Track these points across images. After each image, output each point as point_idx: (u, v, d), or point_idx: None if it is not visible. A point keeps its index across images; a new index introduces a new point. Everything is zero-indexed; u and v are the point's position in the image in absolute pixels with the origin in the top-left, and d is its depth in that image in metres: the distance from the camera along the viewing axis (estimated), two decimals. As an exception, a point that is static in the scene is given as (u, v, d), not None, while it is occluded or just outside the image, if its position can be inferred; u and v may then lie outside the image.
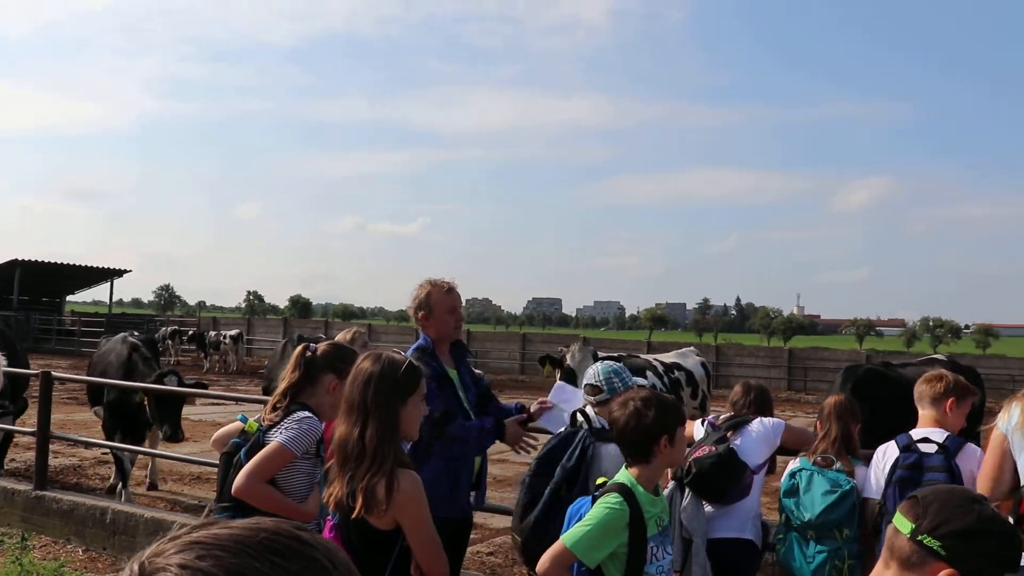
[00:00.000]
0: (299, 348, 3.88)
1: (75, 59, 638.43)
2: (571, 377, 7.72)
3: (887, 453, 4.50)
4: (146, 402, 8.40)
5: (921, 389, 4.56)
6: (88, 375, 10.41)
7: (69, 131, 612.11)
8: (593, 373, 4.53)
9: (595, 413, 4.36)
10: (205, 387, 9.32)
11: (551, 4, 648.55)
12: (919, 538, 1.91)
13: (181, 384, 8.67)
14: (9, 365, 8.33)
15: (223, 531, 1.00)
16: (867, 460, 4.73)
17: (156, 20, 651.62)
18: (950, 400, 4.43)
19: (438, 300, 4.65)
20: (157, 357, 10.36)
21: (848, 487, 4.48)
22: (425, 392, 3.22)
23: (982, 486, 3.80)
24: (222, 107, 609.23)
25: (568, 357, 7.96)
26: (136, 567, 0.97)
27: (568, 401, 4.86)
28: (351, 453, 2.99)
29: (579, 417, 4.36)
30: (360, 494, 2.92)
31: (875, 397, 7.46)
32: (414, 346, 4.67)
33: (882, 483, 4.44)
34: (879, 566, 2.01)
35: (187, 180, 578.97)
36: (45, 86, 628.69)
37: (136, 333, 10.81)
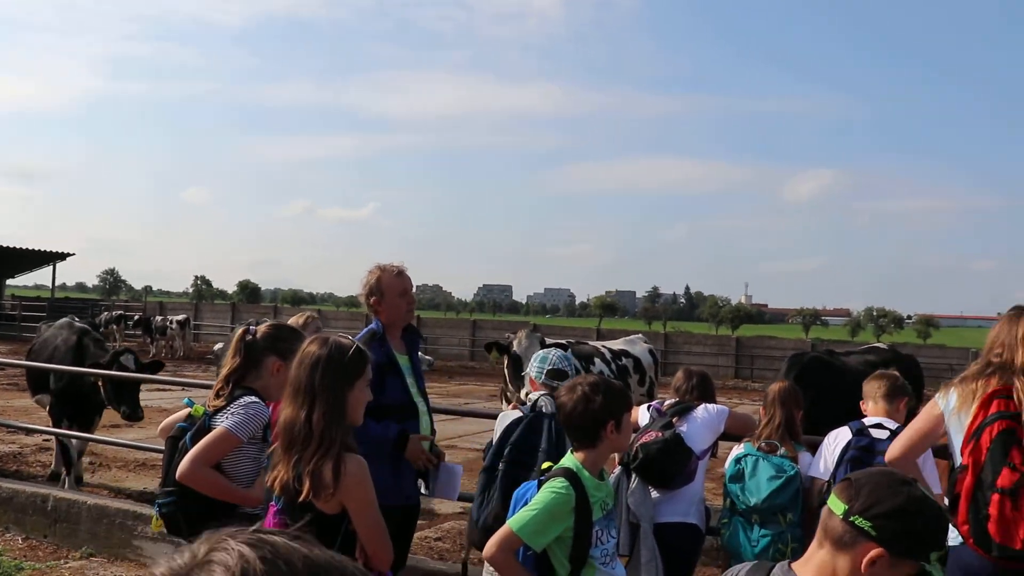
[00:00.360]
0: (239, 332, 3.84)
1: (13, 37, 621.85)
2: (518, 364, 7.74)
3: (839, 436, 4.64)
4: (101, 384, 8.25)
5: (875, 384, 4.78)
6: (30, 361, 10.12)
7: (7, 109, 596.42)
8: (555, 358, 4.54)
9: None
10: (162, 366, 9.12)
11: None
12: (851, 519, 1.99)
13: (138, 363, 8.54)
14: None
15: (301, 547, 1.00)
16: (809, 446, 4.86)
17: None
18: (905, 400, 4.71)
19: (389, 284, 4.63)
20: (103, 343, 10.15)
21: (792, 472, 4.58)
22: (370, 378, 3.21)
23: (903, 440, 3.94)
24: (168, 88, 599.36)
25: (515, 344, 7.97)
26: (204, 547, 0.99)
27: (447, 485, 4.76)
28: (297, 436, 2.98)
29: (540, 403, 4.32)
30: (307, 477, 2.92)
31: (819, 384, 7.60)
32: (365, 330, 4.64)
33: (831, 465, 4.57)
34: (813, 545, 2.08)
35: (133, 162, 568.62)
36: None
37: (76, 319, 10.62)
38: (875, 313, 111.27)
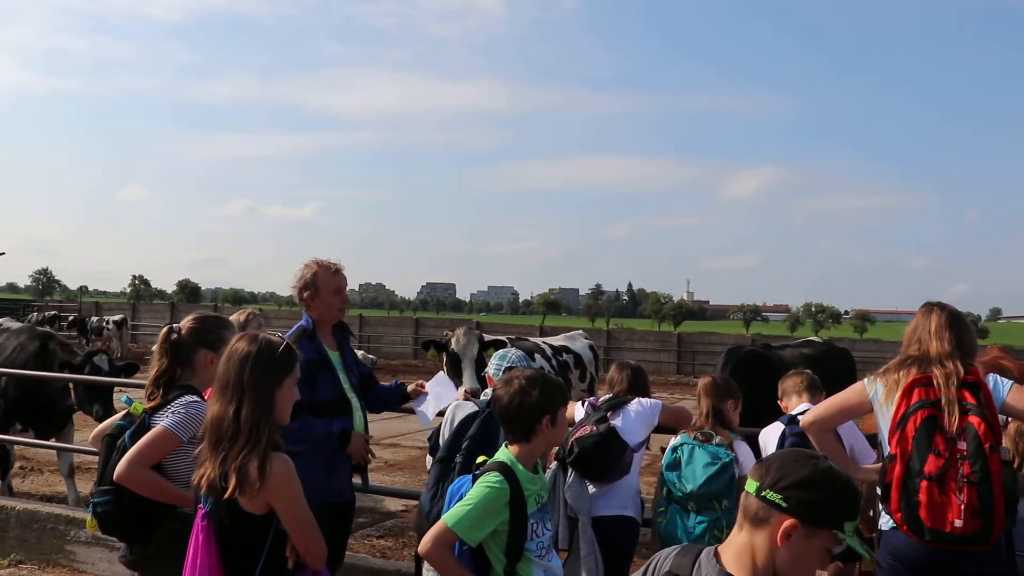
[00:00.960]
0: (163, 332, 3.76)
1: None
2: (456, 362, 7.73)
3: (771, 430, 4.90)
4: (71, 387, 8.00)
5: (795, 380, 5.20)
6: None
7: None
8: (514, 358, 4.56)
9: None
10: (137, 368, 8.75)
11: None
12: (763, 494, 2.06)
13: (111, 364, 8.27)
14: None
15: None
16: (746, 437, 4.99)
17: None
18: (823, 394, 4.98)
19: (324, 281, 4.61)
20: None
21: (728, 459, 4.67)
22: (299, 376, 3.20)
23: (819, 408, 4.15)
24: (103, 84, 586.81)
25: (453, 341, 7.94)
26: None
27: (443, 395, 4.93)
28: (225, 432, 2.95)
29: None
30: (233, 474, 2.89)
31: (754, 377, 7.72)
32: (295, 327, 4.62)
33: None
34: (735, 529, 2.13)
35: (66, 159, 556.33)
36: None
37: (9, 319, 10.29)
38: (813, 309, 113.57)
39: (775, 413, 5.18)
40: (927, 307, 3.98)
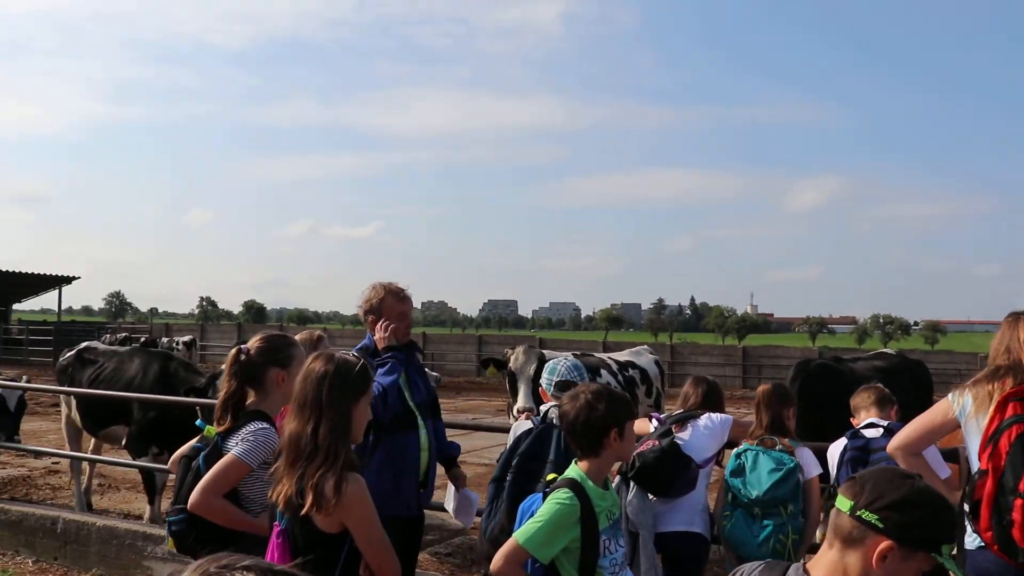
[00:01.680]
0: (231, 353, 3.77)
1: (14, 62, 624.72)
2: (513, 380, 7.73)
3: (838, 447, 4.83)
4: (199, 408, 8.04)
5: (864, 395, 5.07)
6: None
7: (10, 135, 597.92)
8: (563, 369, 4.51)
9: None
10: None
11: (501, 6, 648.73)
12: (858, 514, 2.00)
13: None
14: None
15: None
16: (813, 450, 4.92)
17: (96, 23, 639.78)
18: (895, 408, 4.96)
19: (389, 306, 4.65)
20: None
21: (792, 465, 4.63)
22: (373, 396, 3.23)
23: (906, 431, 3.98)
24: (170, 111, 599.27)
25: (512, 360, 7.92)
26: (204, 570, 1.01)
27: (461, 508, 5.00)
28: (303, 450, 2.99)
29: (551, 414, 4.30)
30: (309, 491, 2.92)
31: (825, 391, 7.59)
32: (358, 346, 4.65)
33: (833, 472, 4.77)
34: (824, 547, 2.08)
35: (135, 185, 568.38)
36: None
37: (97, 342, 10.43)
38: (881, 320, 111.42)
39: (847, 428, 5.10)
40: (1013, 316, 3.85)
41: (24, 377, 10.76)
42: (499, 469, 4.25)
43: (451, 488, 5.04)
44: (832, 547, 2.06)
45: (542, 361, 8.02)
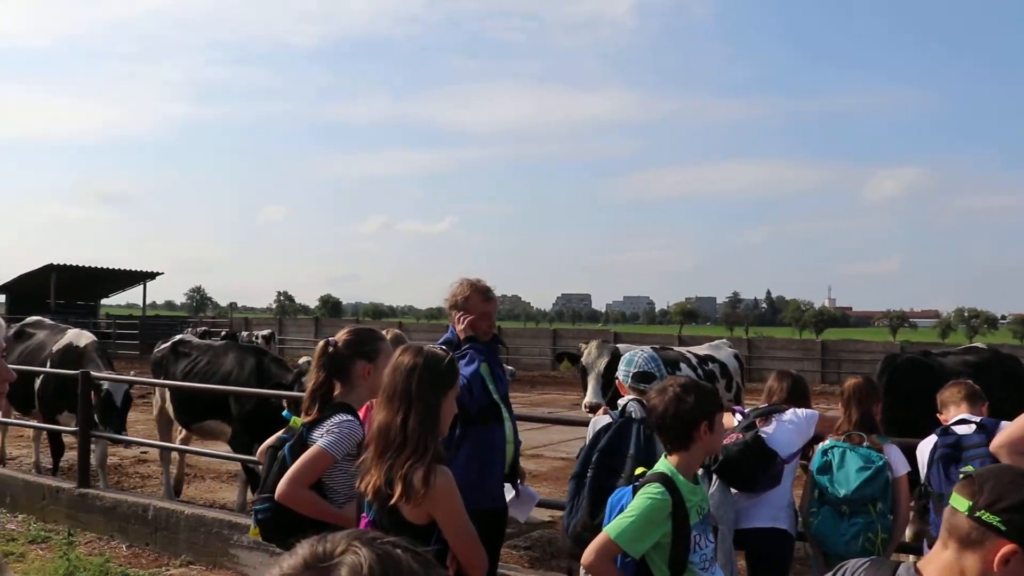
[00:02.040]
0: (320, 346, 3.83)
1: (99, 67, 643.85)
2: (585, 374, 7.70)
3: (926, 443, 4.69)
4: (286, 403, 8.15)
5: (953, 391, 4.88)
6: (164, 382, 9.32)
7: (97, 138, 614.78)
8: (641, 360, 4.43)
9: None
10: None
11: (573, 0, 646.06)
12: (977, 515, 1.91)
13: None
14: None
15: (414, 559, 1.09)
16: (901, 447, 4.82)
17: (176, 28, 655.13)
18: (986, 404, 4.78)
19: (475, 304, 4.66)
20: None
21: (881, 463, 4.54)
22: (459, 390, 3.25)
23: (1011, 429, 3.82)
24: (247, 110, 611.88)
25: (584, 355, 7.88)
26: (329, 545, 1.05)
27: (520, 505, 4.97)
28: (392, 441, 3.01)
29: (630, 408, 4.27)
30: (399, 482, 2.94)
31: (914, 387, 7.37)
32: (441, 340, 4.67)
33: (923, 469, 4.64)
34: (937, 547, 2.00)
35: (214, 183, 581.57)
36: (71, 94, 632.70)
37: (257, 338, 10.60)
38: (966, 314, 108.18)
39: (936, 425, 4.95)
40: None
41: (132, 372, 11.03)
42: (579, 465, 4.22)
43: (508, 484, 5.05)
44: (947, 548, 1.97)
45: (614, 356, 7.98)
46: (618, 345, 8.92)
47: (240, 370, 8.70)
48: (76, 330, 10.51)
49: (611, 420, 4.28)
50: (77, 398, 8.37)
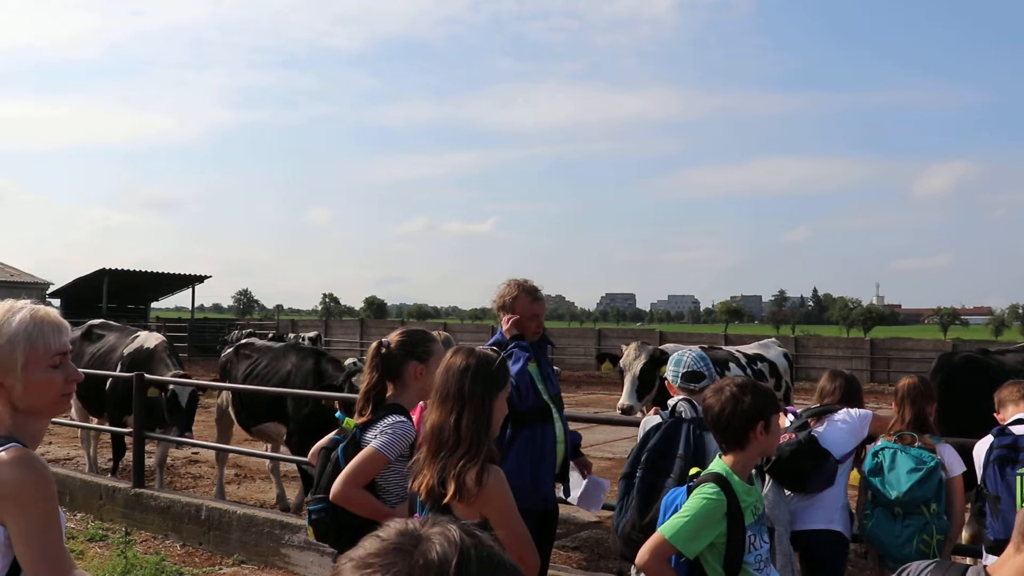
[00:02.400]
0: (372, 347, 3.85)
1: (149, 76, 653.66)
2: (623, 375, 7.69)
3: (983, 444, 4.58)
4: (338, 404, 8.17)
5: (1011, 390, 4.74)
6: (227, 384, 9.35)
7: (145, 144, 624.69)
8: (690, 360, 4.39)
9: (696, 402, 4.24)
10: None
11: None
12: None
13: None
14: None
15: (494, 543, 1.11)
16: (958, 447, 4.75)
17: (221, 34, 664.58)
18: None
19: (523, 306, 4.65)
20: None
21: (933, 464, 4.48)
22: (510, 391, 3.25)
23: None
24: (290, 113, 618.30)
25: (623, 357, 7.84)
26: (420, 525, 1.10)
27: (591, 494, 4.94)
28: (446, 441, 3.02)
29: (680, 408, 4.24)
30: (451, 481, 2.95)
31: (972, 385, 7.21)
32: (491, 340, 4.68)
33: (979, 470, 4.52)
34: (1009, 550, 1.95)
35: (260, 187, 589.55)
36: (120, 102, 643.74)
37: (303, 339, 10.71)
38: (1020, 310, 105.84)
39: (994, 425, 4.85)
40: None
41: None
42: (628, 465, 4.21)
43: (575, 475, 5.02)
44: (1020, 551, 1.92)
45: (651, 358, 7.97)
46: (664, 346, 8.88)
47: (298, 373, 8.74)
48: (146, 332, 10.62)
49: (661, 420, 4.26)
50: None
